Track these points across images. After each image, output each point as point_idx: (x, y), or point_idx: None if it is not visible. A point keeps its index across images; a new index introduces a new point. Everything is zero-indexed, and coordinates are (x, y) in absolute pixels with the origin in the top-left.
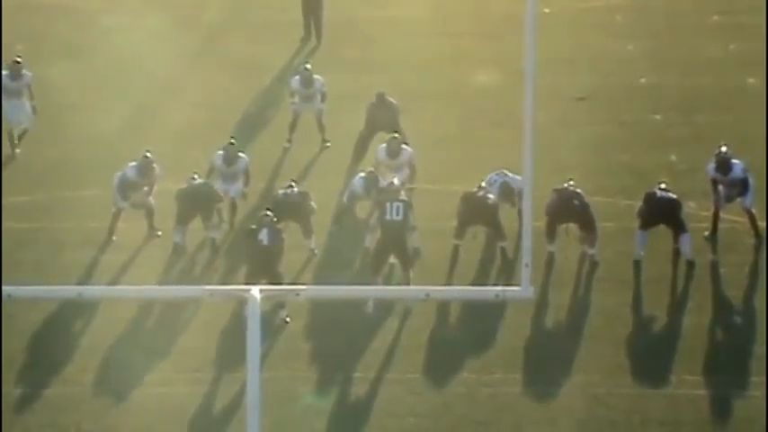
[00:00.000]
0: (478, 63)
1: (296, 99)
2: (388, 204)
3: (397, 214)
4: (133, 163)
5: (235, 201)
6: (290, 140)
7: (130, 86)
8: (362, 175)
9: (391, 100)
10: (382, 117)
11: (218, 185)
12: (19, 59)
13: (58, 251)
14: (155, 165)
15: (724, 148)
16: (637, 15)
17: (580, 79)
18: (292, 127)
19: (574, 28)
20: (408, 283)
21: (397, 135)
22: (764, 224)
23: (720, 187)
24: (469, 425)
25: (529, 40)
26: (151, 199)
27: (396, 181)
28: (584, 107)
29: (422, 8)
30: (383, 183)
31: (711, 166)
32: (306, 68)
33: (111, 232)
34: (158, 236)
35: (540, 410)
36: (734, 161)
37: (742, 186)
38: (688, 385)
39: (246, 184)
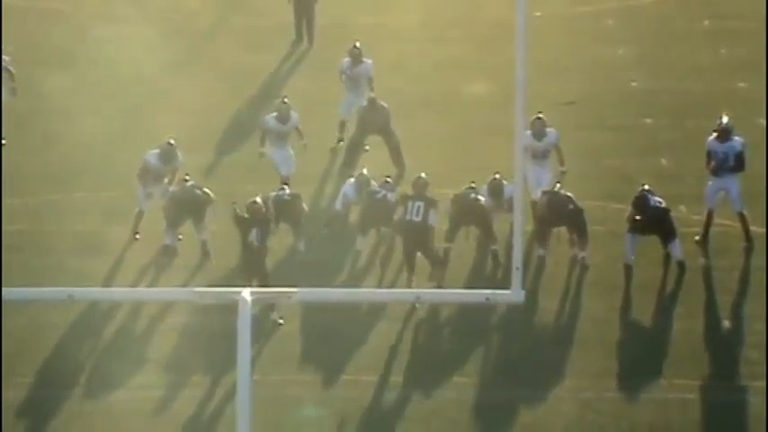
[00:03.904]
0: (470, 69)
1: (344, 79)
2: (409, 203)
3: (417, 215)
4: (155, 150)
5: (288, 177)
6: (339, 140)
7: (120, 92)
8: (353, 180)
9: (382, 104)
10: (373, 121)
11: (274, 152)
12: None
13: (47, 254)
14: (178, 151)
15: (725, 119)
16: (627, 20)
17: (570, 84)
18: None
19: (564, 33)
20: (442, 282)
21: (540, 115)
22: (764, 230)
23: (713, 163)
24: (458, 429)
25: (519, 46)
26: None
27: (389, 179)
28: (574, 112)
29: (414, 15)
30: (375, 186)
31: (711, 137)
32: (355, 47)
33: (133, 233)
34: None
35: (530, 415)
36: (735, 137)
37: (736, 162)
38: (678, 390)
39: (301, 137)
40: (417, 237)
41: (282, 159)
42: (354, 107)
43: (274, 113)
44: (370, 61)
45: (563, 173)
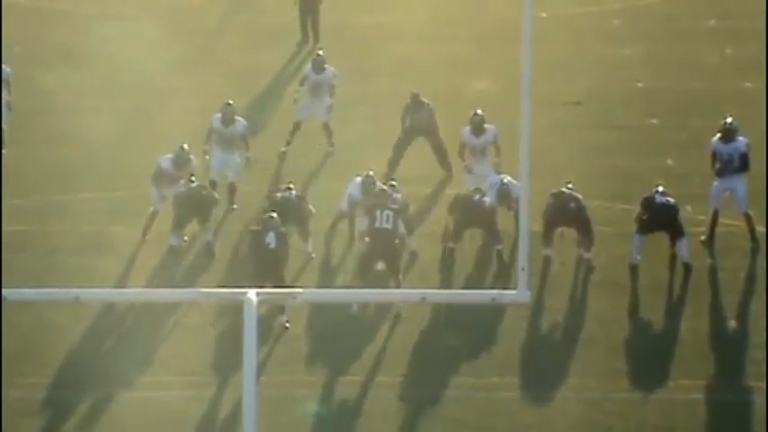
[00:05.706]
0: (475, 68)
1: (305, 87)
2: (378, 212)
3: (387, 222)
4: (168, 155)
5: (234, 184)
6: (288, 143)
7: (126, 91)
8: (359, 179)
9: (425, 101)
10: (418, 119)
11: (217, 154)
12: None
13: (52, 255)
14: (191, 156)
15: (729, 119)
16: (633, 20)
17: (576, 84)
18: (294, 130)
19: (570, 32)
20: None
21: (479, 112)
22: (764, 229)
23: (718, 165)
24: (464, 429)
25: (525, 46)
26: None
27: (394, 182)
28: (580, 111)
29: (417, 14)
30: (381, 187)
31: (715, 138)
32: (318, 55)
33: (144, 232)
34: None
35: (536, 415)
36: (739, 137)
37: (741, 162)
38: (684, 390)
39: (247, 148)
40: (386, 245)
41: (218, 164)
42: (313, 113)
43: (219, 114)
44: (332, 69)
45: (497, 164)
